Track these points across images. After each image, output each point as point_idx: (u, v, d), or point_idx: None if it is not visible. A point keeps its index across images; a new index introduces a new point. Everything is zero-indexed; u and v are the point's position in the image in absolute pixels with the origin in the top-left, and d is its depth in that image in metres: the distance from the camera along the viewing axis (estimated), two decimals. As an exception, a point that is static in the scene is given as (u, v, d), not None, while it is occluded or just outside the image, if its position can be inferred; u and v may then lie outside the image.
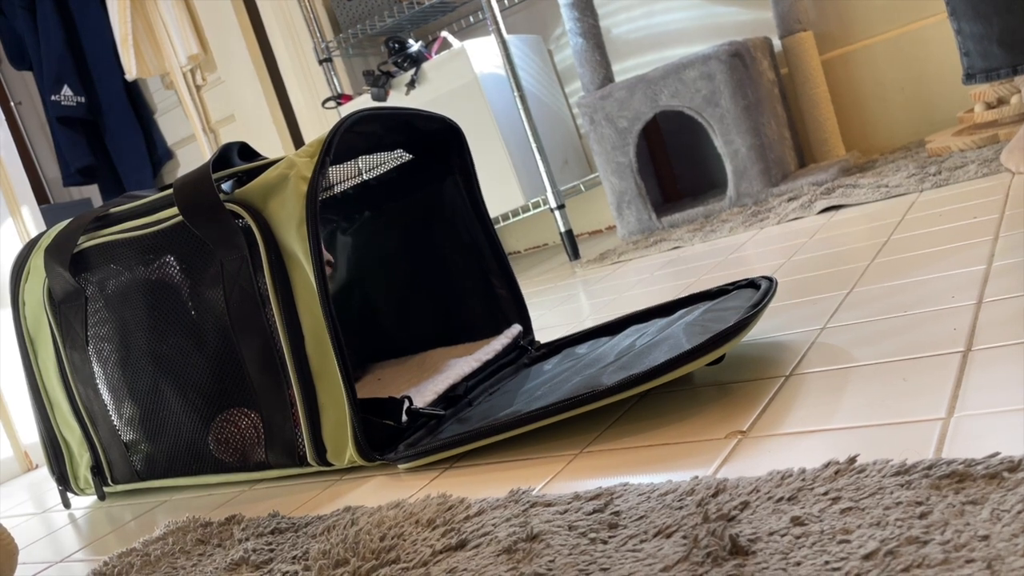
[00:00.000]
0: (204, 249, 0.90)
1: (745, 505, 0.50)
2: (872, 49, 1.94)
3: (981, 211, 1.07)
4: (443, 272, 1.10)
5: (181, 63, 2.57)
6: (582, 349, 0.96)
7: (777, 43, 2.00)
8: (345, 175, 1.11)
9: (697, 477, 0.56)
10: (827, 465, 0.51)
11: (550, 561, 0.51)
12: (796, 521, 0.46)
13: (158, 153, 2.83)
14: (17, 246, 1.69)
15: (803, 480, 0.50)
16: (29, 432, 1.60)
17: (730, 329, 0.71)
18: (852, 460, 0.50)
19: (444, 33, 2.19)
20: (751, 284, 0.89)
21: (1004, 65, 1.11)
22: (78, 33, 2.72)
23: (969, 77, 1.15)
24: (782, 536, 0.45)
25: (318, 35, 2.38)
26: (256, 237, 0.84)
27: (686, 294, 1.17)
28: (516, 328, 1.06)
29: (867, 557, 0.41)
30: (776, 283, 0.84)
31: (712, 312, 0.84)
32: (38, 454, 1.60)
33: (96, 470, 1.05)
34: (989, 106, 1.59)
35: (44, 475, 1.48)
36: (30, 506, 1.24)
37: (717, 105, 1.77)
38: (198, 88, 2.66)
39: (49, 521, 1.10)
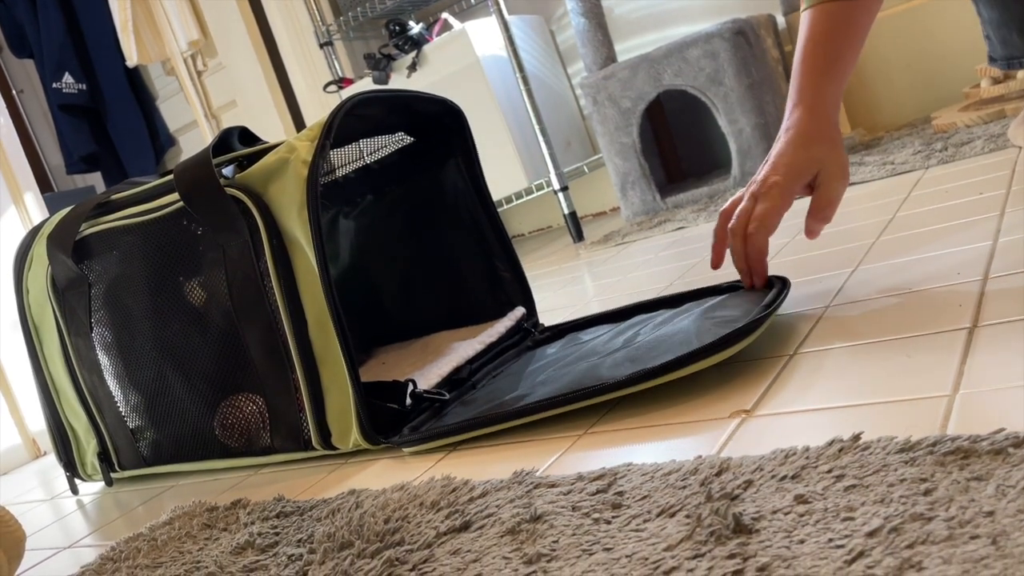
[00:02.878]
0: (205, 235, 0.89)
1: (748, 484, 0.49)
2: (877, 25, 1.92)
3: (987, 187, 1.06)
4: (446, 255, 1.10)
5: (182, 49, 2.56)
6: (586, 335, 0.95)
7: (781, 20, 1.98)
8: (346, 159, 1.10)
9: (700, 456, 0.55)
10: (831, 443, 0.50)
11: (554, 542, 0.51)
12: (800, 499, 0.46)
13: (160, 140, 2.83)
14: (20, 234, 1.69)
15: (807, 458, 0.50)
16: (36, 419, 1.61)
17: (742, 329, 0.70)
18: (856, 438, 0.50)
19: (445, 15, 2.17)
20: None
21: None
22: (78, 20, 2.71)
23: (992, 60, 1.13)
24: (785, 514, 0.45)
25: (318, 18, 2.37)
26: (257, 222, 0.84)
27: (691, 275, 1.17)
28: (520, 310, 1.06)
29: (871, 534, 0.40)
30: (789, 285, 0.83)
31: (723, 308, 0.82)
32: (46, 441, 1.61)
33: (103, 456, 1.06)
34: (995, 81, 1.58)
35: (52, 462, 1.49)
36: (38, 493, 1.25)
37: (721, 84, 1.76)
38: (199, 74, 2.65)
39: (57, 507, 1.11)
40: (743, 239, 0.83)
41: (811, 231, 0.85)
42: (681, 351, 0.72)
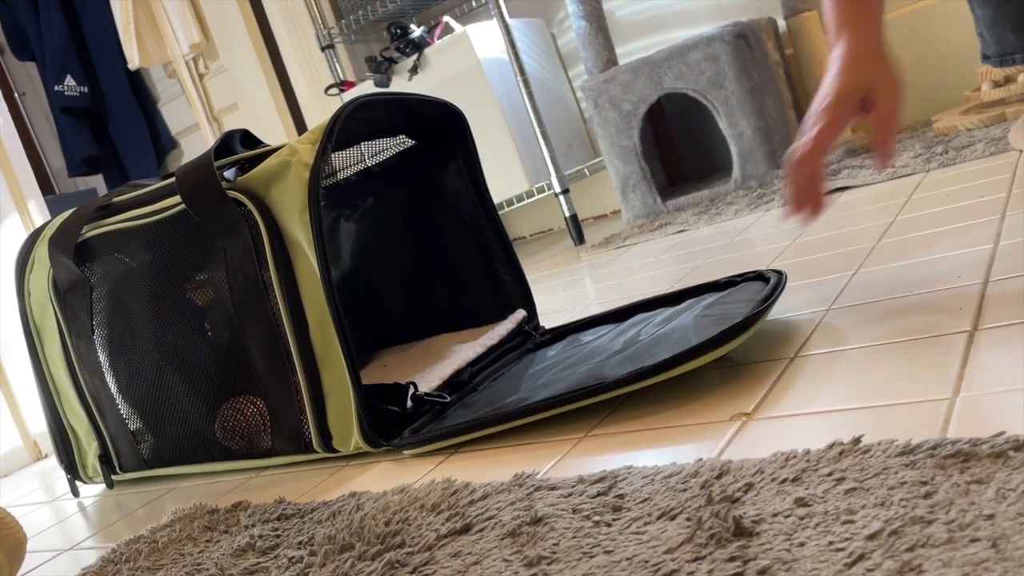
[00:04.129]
0: (207, 237, 0.89)
1: (749, 487, 0.49)
2: (878, 28, 1.92)
3: (988, 190, 1.06)
4: (447, 258, 1.10)
5: (183, 51, 2.56)
6: (587, 336, 0.96)
7: (782, 23, 1.99)
8: (347, 161, 1.10)
9: (701, 459, 0.55)
10: (831, 446, 0.50)
11: (554, 544, 0.51)
12: (800, 502, 0.46)
13: (162, 142, 2.83)
14: (22, 237, 1.69)
15: (807, 461, 0.50)
16: (38, 422, 1.61)
17: (739, 325, 0.71)
18: (856, 441, 0.50)
19: (446, 18, 2.18)
20: (760, 276, 0.87)
21: (1018, 50, 1.09)
22: (80, 23, 2.72)
23: (985, 58, 1.13)
24: (786, 517, 0.45)
25: (320, 21, 2.37)
26: (259, 224, 0.84)
27: (692, 278, 1.17)
28: (521, 313, 1.06)
29: (871, 537, 0.40)
30: (786, 277, 0.83)
31: (721, 305, 0.82)
32: (47, 443, 1.61)
33: (104, 459, 1.06)
34: (996, 84, 1.58)
35: (53, 464, 1.49)
36: (40, 495, 1.25)
37: (722, 87, 1.76)
38: (201, 76, 2.65)
39: (59, 509, 1.11)
40: (796, 167, 0.79)
41: (881, 151, 0.80)
42: (679, 348, 0.72)
